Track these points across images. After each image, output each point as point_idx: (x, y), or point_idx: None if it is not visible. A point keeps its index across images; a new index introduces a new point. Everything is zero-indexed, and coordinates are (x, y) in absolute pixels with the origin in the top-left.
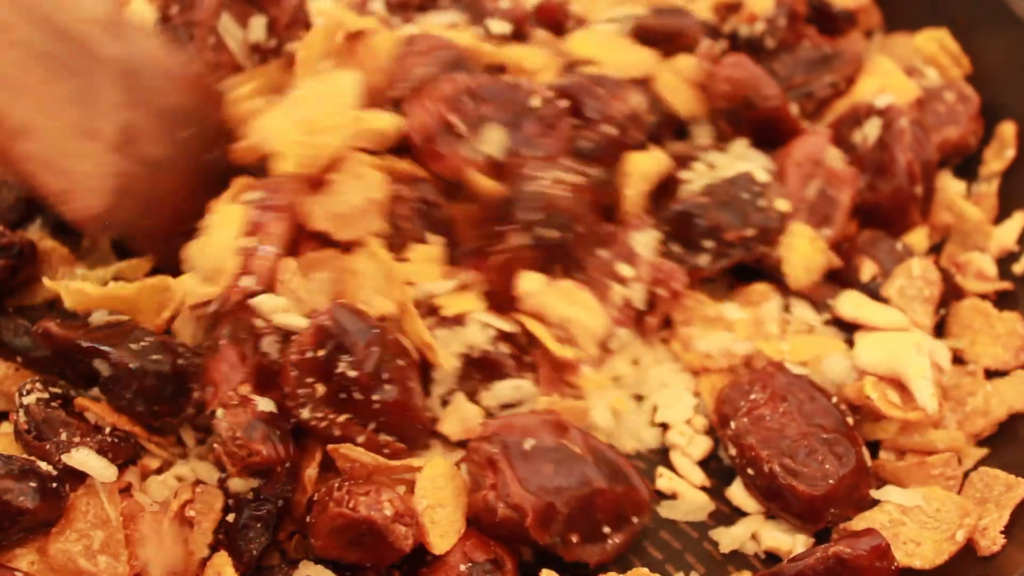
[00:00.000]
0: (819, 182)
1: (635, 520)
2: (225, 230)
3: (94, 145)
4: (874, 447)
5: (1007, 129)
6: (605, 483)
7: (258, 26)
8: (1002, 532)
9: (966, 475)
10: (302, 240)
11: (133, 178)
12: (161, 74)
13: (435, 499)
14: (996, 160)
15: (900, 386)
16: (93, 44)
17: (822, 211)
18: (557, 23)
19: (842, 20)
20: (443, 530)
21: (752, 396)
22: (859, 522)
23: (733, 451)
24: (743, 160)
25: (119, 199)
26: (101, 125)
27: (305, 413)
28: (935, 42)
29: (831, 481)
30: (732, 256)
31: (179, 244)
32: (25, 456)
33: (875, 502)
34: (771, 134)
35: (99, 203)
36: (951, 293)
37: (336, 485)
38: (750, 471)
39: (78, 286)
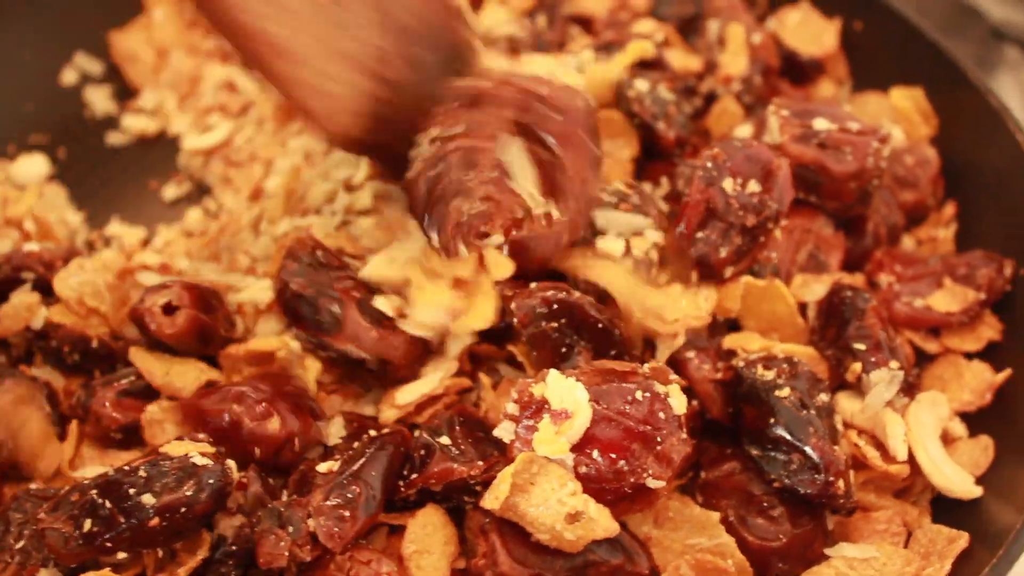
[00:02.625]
0: (809, 247)
1: None
2: None
3: (347, 67)
4: None
5: (948, 209)
6: (601, 555)
7: None
8: None
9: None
10: None
11: (382, 101)
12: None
13: (422, 545)
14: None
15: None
16: None
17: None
18: None
19: (810, 68)
20: None
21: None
22: None
23: (700, 499)
24: None
25: (368, 122)
26: (354, 48)
27: None
28: (910, 99)
29: (783, 538)
30: None
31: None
32: None
33: (826, 558)
34: None
35: (349, 124)
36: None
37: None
38: None
39: None
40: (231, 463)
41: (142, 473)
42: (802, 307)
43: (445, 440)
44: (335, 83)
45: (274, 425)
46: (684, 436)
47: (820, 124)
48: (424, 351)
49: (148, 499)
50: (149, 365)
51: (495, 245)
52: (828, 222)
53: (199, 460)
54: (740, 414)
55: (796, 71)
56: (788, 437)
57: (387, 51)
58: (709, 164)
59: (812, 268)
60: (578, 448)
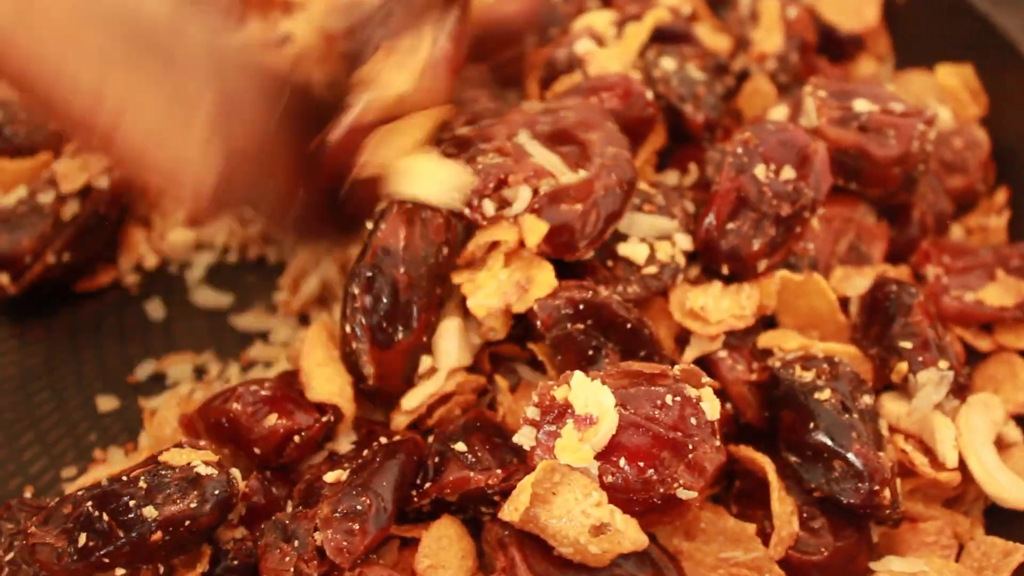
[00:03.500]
0: (850, 237)
1: None
2: None
3: (191, 129)
4: None
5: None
6: (629, 569)
7: None
8: None
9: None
10: None
11: (234, 161)
12: (242, 57)
13: (437, 560)
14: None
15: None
16: (170, 28)
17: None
18: None
19: (850, 44)
20: None
21: None
22: None
23: (734, 509)
24: None
25: (223, 186)
26: (193, 107)
27: None
28: (958, 77)
29: (824, 552)
30: None
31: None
32: None
33: (871, 573)
34: None
35: (205, 190)
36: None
37: None
38: None
39: None
40: (235, 472)
41: (142, 484)
42: (843, 302)
43: (461, 447)
44: (182, 146)
45: (271, 420)
46: (717, 443)
47: (861, 105)
48: (413, 365)
49: (150, 512)
50: None
51: (523, 204)
52: (870, 210)
53: (203, 470)
54: (777, 418)
55: (834, 48)
56: (829, 443)
57: (231, 110)
58: (740, 150)
59: (853, 260)
60: (603, 456)
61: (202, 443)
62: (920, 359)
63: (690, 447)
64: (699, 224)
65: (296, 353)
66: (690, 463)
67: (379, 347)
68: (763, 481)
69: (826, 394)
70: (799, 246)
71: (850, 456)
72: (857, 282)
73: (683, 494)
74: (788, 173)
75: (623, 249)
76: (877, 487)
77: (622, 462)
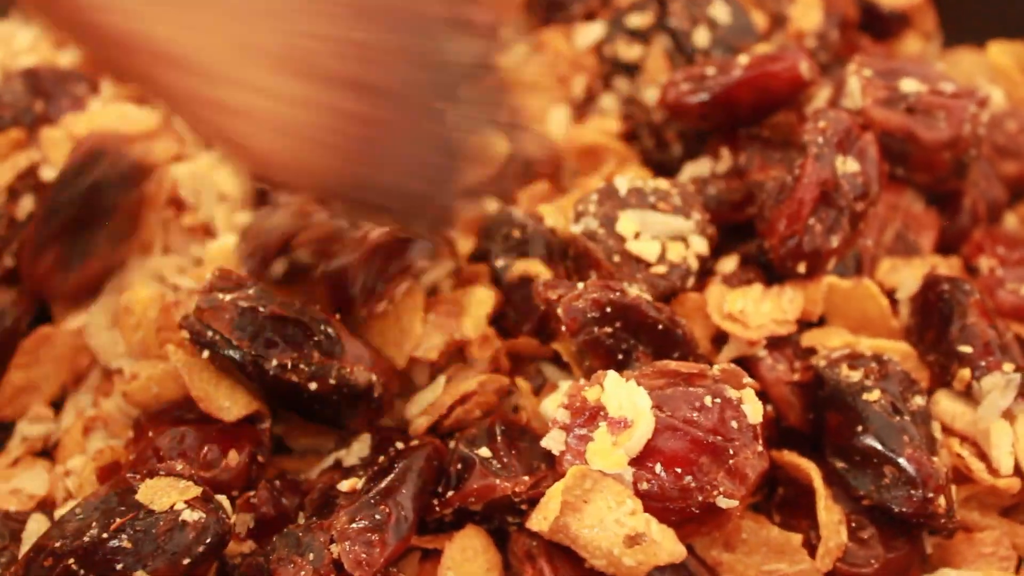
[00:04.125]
0: (896, 226)
1: None
2: None
3: (263, 66)
4: None
5: None
6: None
7: None
8: None
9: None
10: None
11: (365, 123)
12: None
13: (461, 572)
14: None
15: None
16: None
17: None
18: None
19: (894, 21)
20: None
21: None
22: None
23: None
24: None
25: (314, 148)
26: (295, 42)
27: None
28: (1011, 55)
29: (875, 564)
30: None
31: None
32: None
33: None
34: None
35: (282, 151)
36: None
37: None
38: None
39: None
40: (224, 503)
41: (126, 541)
42: (890, 295)
43: (485, 452)
44: (250, 91)
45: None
46: (760, 449)
47: (908, 86)
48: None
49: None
50: None
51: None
52: (918, 197)
53: (188, 515)
54: (822, 421)
55: (877, 24)
56: (879, 447)
57: (367, 44)
58: (820, 139)
59: (901, 250)
60: (638, 461)
61: (179, 466)
62: (983, 363)
63: (731, 452)
64: (778, 219)
65: None
66: (731, 469)
67: None
68: (808, 488)
69: (875, 395)
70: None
71: (901, 461)
72: (905, 274)
73: (723, 502)
74: (853, 165)
75: (632, 245)
76: (931, 494)
77: (658, 468)
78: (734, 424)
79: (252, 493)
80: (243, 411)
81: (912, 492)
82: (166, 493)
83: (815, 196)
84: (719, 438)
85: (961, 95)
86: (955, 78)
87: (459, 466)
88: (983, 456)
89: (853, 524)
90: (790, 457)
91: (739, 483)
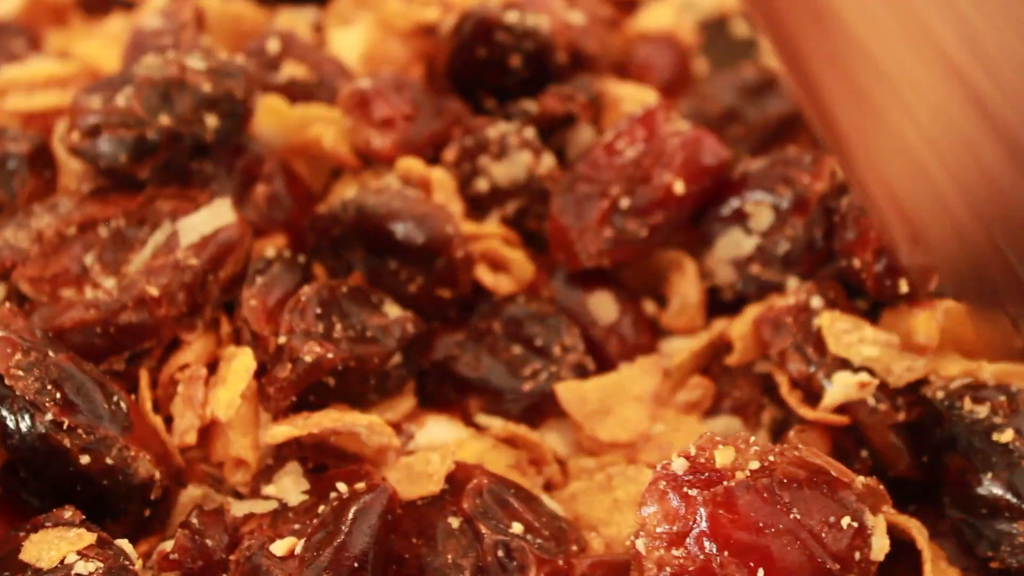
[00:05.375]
0: None
1: None
2: None
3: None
4: None
5: None
6: None
7: None
8: None
9: None
10: None
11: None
12: None
13: None
14: None
15: None
16: None
17: None
18: None
19: None
20: None
21: None
22: None
23: None
24: None
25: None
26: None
27: None
28: None
29: None
30: None
31: None
32: None
33: None
34: None
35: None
36: None
37: None
38: None
39: None
40: (126, 547)
41: None
42: None
43: (518, 528)
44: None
45: None
46: None
47: None
48: None
49: None
50: None
51: None
52: None
53: (82, 568)
54: (939, 465)
55: None
56: (1011, 499)
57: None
58: None
59: None
60: (737, 553)
61: (67, 514)
62: None
63: None
64: (867, 231)
65: None
66: None
67: None
68: (911, 545)
69: (1008, 435)
70: None
71: None
72: None
73: None
74: None
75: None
76: None
77: (760, 573)
78: (857, 556)
79: (170, 543)
80: None
81: None
82: (55, 546)
83: None
84: (837, 567)
85: None
86: None
87: (500, 554)
88: None
89: None
90: (891, 516)
91: None
